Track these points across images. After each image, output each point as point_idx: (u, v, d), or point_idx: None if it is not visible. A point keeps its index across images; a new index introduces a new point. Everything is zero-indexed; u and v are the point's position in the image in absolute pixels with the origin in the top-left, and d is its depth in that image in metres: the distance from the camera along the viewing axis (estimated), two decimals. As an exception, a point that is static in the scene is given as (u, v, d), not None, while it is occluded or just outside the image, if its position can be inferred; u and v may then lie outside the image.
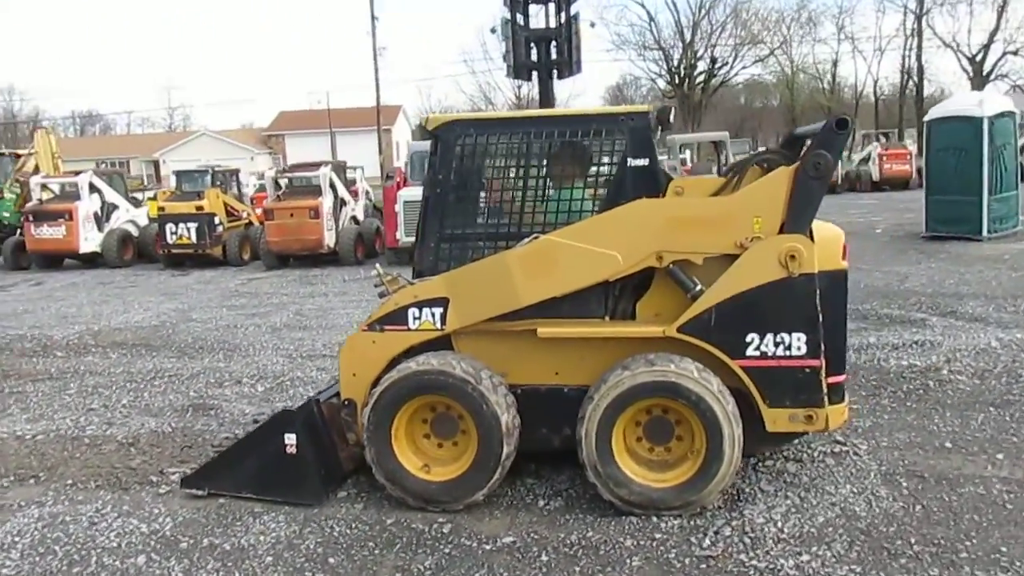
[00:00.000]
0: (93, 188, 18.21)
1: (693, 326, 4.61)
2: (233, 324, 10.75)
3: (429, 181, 5.14)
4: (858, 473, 4.96)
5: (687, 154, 24.47)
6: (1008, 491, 4.60)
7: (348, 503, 4.90)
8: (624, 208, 4.73)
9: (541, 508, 4.76)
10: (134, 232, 18.85)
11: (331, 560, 4.24)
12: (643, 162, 4.80)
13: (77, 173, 19.05)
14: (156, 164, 66.56)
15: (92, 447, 6.05)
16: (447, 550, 4.30)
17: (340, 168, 18.37)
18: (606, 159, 4.93)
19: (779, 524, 4.36)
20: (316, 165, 17.48)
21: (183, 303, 12.76)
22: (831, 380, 4.63)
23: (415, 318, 4.95)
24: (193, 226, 17.30)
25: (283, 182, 17.55)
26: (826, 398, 4.55)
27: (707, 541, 4.23)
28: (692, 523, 4.44)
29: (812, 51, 54.91)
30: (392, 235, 16.22)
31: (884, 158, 29.29)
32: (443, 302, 4.90)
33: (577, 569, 4.04)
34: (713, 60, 50.86)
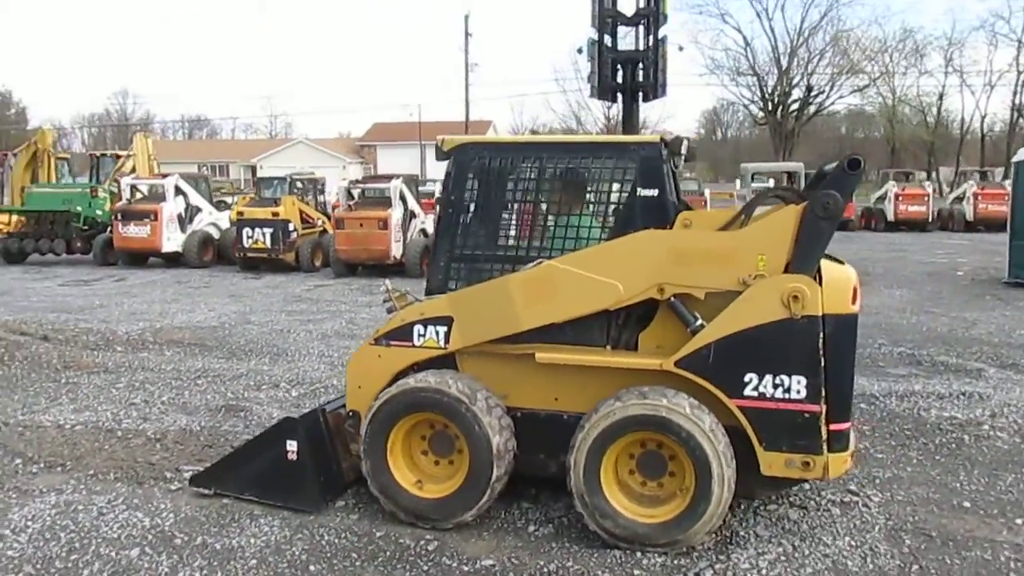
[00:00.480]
0: (178, 191, 19.10)
1: (691, 361, 4.54)
2: (287, 329, 11.09)
3: (443, 201, 5.23)
4: (862, 526, 4.76)
5: (769, 183, 23.97)
6: (1017, 559, 4.34)
7: (344, 513, 5.00)
8: (628, 238, 4.71)
9: (530, 533, 4.75)
10: (215, 234, 19.64)
11: (312, 568, 4.34)
12: (652, 192, 4.77)
13: (166, 176, 20.00)
14: (254, 169, 69.18)
15: (122, 440, 6.34)
16: (426, 567, 4.34)
17: (412, 181, 18.73)
18: (616, 187, 4.92)
19: (763, 572, 4.24)
20: (388, 178, 17.89)
21: (246, 306, 13.24)
22: (834, 427, 4.48)
23: (420, 335, 5.03)
24: (268, 231, 17.92)
25: (356, 192, 17.99)
26: (825, 445, 4.41)
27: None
28: (675, 562, 4.35)
29: (917, 83, 52.85)
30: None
31: (980, 197, 28.06)
32: (448, 321, 4.97)
33: (546, 599, 4.02)
34: (809, 88, 49.71)
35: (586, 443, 4.53)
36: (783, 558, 4.38)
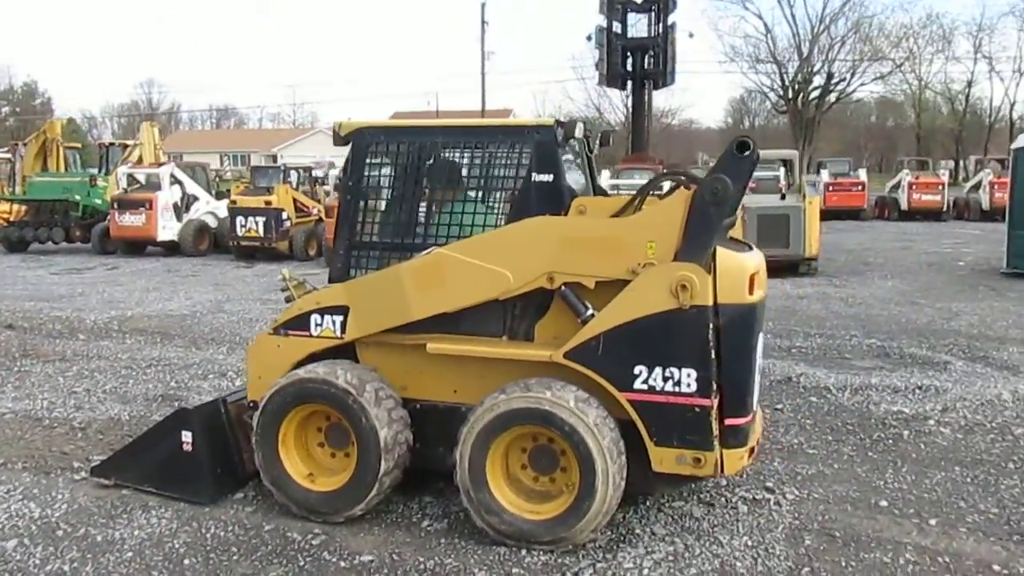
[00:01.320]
0: (174, 179, 19.16)
1: (580, 353, 4.37)
2: (258, 318, 11.03)
3: (342, 188, 5.10)
4: (765, 525, 4.57)
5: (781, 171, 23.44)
6: (916, 562, 4.13)
7: (241, 505, 4.90)
8: (518, 225, 4.55)
9: (423, 528, 4.62)
10: (212, 223, 19.69)
11: (186, 561, 4.24)
12: (547, 177, 4.59)
13: (162, 164, 20.08)
14: (274, 158, 69.58)
15: (46, 429, 6.30)
16: (302, 562, 4.23)
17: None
18: (512, 172, 4.75)
19: (646, 572, 4.07)
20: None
21: (225, 294, 13.23)
22: (729, 422, 4.29)
23: (317, 325, 4.91)
24: (261, 220, 17.92)
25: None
26: (717, 441, 4.22)
27: (576, 585, 3.99)
28: (558, 561, 4.20)
29: (944, 69, 51.77)
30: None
31: (995, 186, 27.30)
32: (344, 310, 4.84)
33: (412, 597, 3.89)
34: (830, 75, 48.77)
35: (471, 437, 4.39)
36: (671, 558, 4.21)
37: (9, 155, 28.23)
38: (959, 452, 5.67)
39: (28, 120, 62.30)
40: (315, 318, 4.91)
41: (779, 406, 6.84)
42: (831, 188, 27.66)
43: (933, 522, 4.59)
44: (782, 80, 50.14)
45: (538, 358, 4.46)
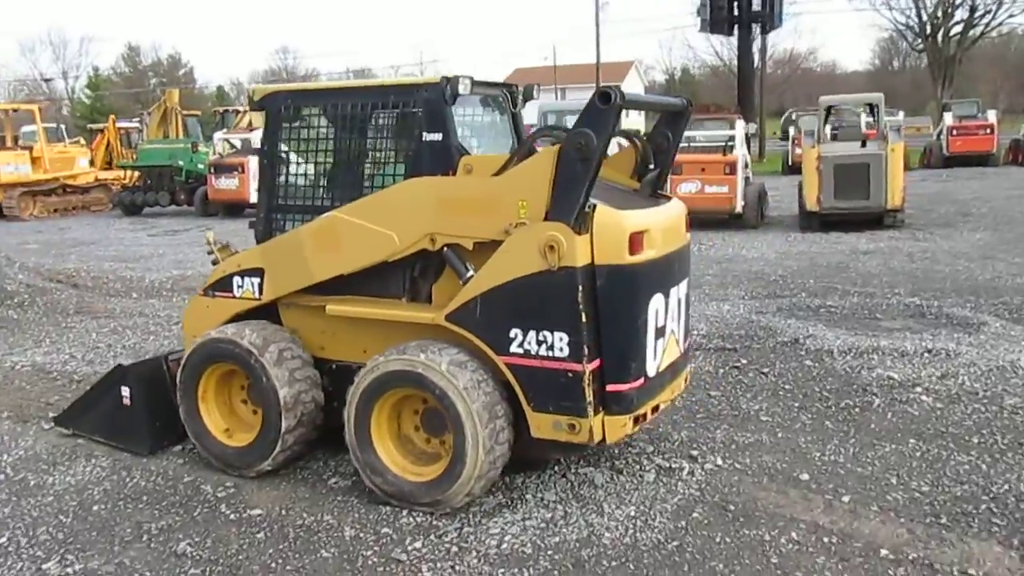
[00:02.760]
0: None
1: (460, 315, 4.30)
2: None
3: (260, 152, 5.18)
4: (662, 495, 4.38)
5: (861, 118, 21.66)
6: (799, 542, 3.85)
7: (176, 458, 5.15)
8: (401, 186, 4.50)
9: (327, 486, 4.72)
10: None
11: (95, 508, 4.52)
12: (436, 136, 4.49)
13: (254, 130, 20.92)
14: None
15: (49, 381, 6.82)
16: (195, 513, 4.42)
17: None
18: (405, 132, 4.67)
19: (510, 539, 4.00)
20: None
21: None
22: (611, 388, 4.12)
23: (239, 286, 5.05)
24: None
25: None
26: (591, 408, 4.06)
27: (418, 544, 3.99)
28: (431, 523, 4.20)
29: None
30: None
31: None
32: (260, 272, 4.96)
33: (272, 551, 3.99)
34: (972, 8, 44.59)
35: (355, 398, 4.43)
36: (542, 524, 4.12)
37: (138, 124, 30.36)
38: (926, 423, 5.21)
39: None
40: (236, 280, 5.05)
41: (765, 370, 6.48)
42: (955, 132, 25.49)
43: (846, 499, 4.25)
44: (919, 15, 46.30)
45: (424, 320, 4.43)
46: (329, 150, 4.92)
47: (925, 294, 8.78)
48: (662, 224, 4.41)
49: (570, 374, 4.07)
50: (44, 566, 3.92)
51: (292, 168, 5.05)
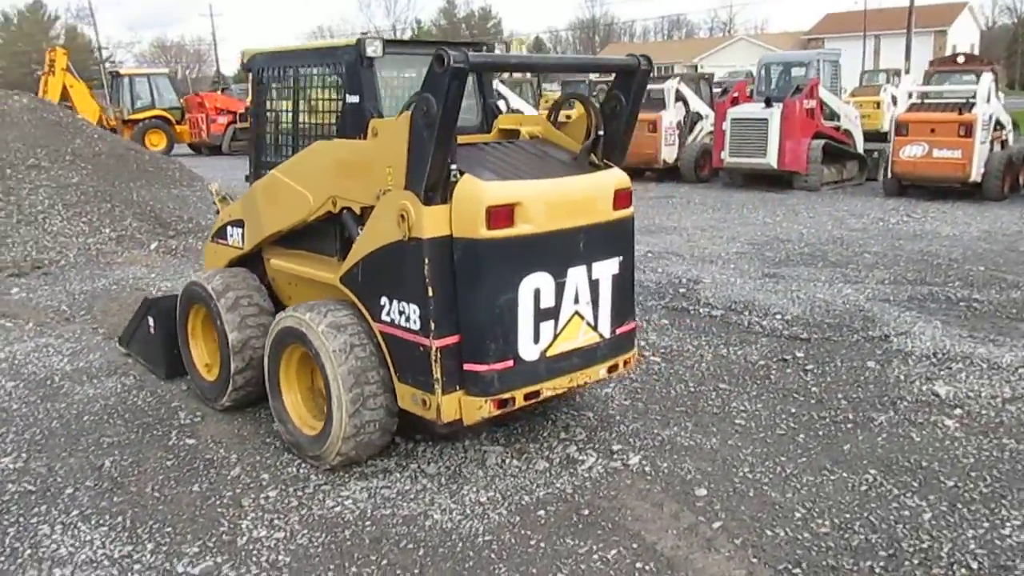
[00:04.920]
0: (499, 96, 20.61)
1: (348, 279, 4.35)
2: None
3: (249, 111, 5.50)
4: (530, 487, 4.11)
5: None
6: (607, 562, 3.44)
7: (182, 385, 5.76)
8: (312, 147, 4.59)
9: (269, 430, 5.01)
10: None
11: (84, 419, 5.22)
12: (354, 98, 4.50)
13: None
14: (695, 68, 69.04)
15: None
16: (148, 435, 4.96)
17: (699, 80, 17.61)
18: (335, 94, 4.71)
19: (346, 504, 4.04)
20: (665, 78, 17.13)
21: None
22: (468, 367, 3.96)
23: (231, 236, 5.49)
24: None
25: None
26: (439, 384, 3.92)
27: (271, 493, 4.17)
28: (304, 476, 4.35)
29: None
30: (717, 154, 15.38)
31: None
32: (241, 223, 5.35)
33: (162, 477, 4.39)
34: None
35: (267, 349, 4.67)
36: (392, 496, 4.09)
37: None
38: (912, 454, 4.28)
39: (483, 41, 70.22)
40: (229, 229, 5.48)
41: (810, 366, 5.70)
42: None
43: (716, 525, 3.69)
44: None
45: (328, 280, 4.52)
46: (288, 110, 5.12)
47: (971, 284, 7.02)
48: (556, 197, 4.05)
49: (421, 348, 3.96)
50: (3, 460, 4.68)
51: (269, 125, 5.32)
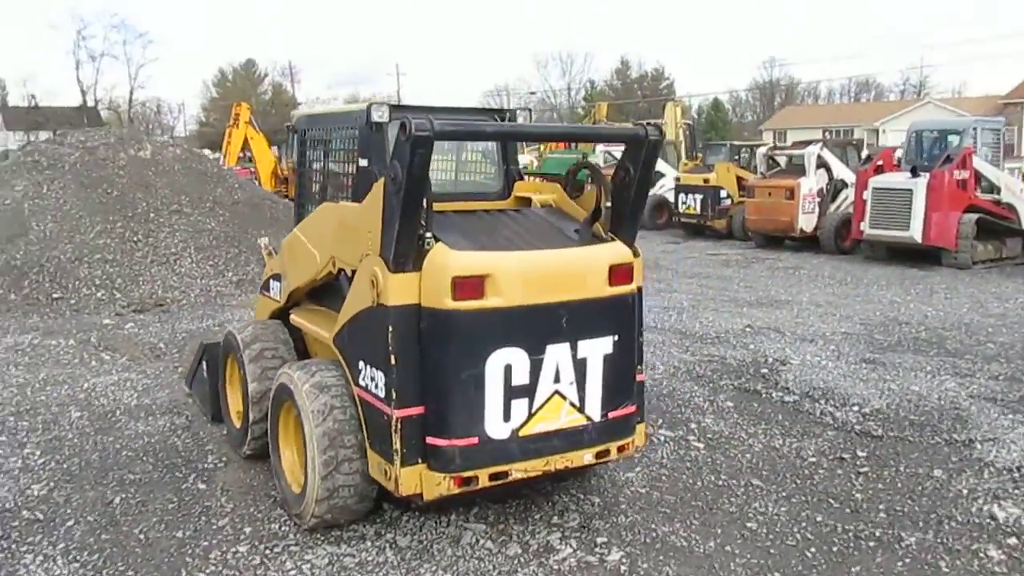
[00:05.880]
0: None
1: (338, 338, 4.38)
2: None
3: (296, 170, 5.70)
4: (413, 569, 3.89)
5: None
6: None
7: (222, 429, 5.98)
8: (320, 208, 4.67)
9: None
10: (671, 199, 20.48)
11: (122, 453, 5.51)
12: (364, 162, 4.56)
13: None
14: (876, 133, 65.68)
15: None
16: (167, 477, 5.15)
17: (846, 145, 16.64)
18: (351, 156, 4.77)
19: (276, 566, 3.98)
20: (807, 143, 16.33)
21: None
22: (430, 440, 3.84)
23: (273, 288, 5.69)
24: (699, 197, 18.11)
25: (781, 159, 16.89)
26: (398, 456, 3.82)
27: (242, 548, 4.19)
28: (281, 534, 4.34)
29: None
30: (857, 225, 14.41)
31: None
32: (279, 277, 5.53)
33: (156, 519, 4.51)
34: None
35: (269, 404, 4.74)
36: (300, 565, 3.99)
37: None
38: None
39: (655, 102, 70.23)
40: (272, 282, 5.69)
41: (865, 469, 5.11)
42: None
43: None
44: None
45: (324, 339, 4.55)
46: (319, 170, 5.27)
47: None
48: (535, 270, 3.88)
49: (384, 416, 3.88)
50: (34, 487, 5.00)
51: (307, 183, 5.49)
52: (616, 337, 4.12)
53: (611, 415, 4.17)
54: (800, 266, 14.05)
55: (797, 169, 16.00)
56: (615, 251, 4.17)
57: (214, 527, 4.45)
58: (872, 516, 4.45)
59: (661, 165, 20.66)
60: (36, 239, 10.74)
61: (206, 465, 5.32)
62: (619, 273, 4.13)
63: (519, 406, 3.89)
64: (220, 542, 4.27)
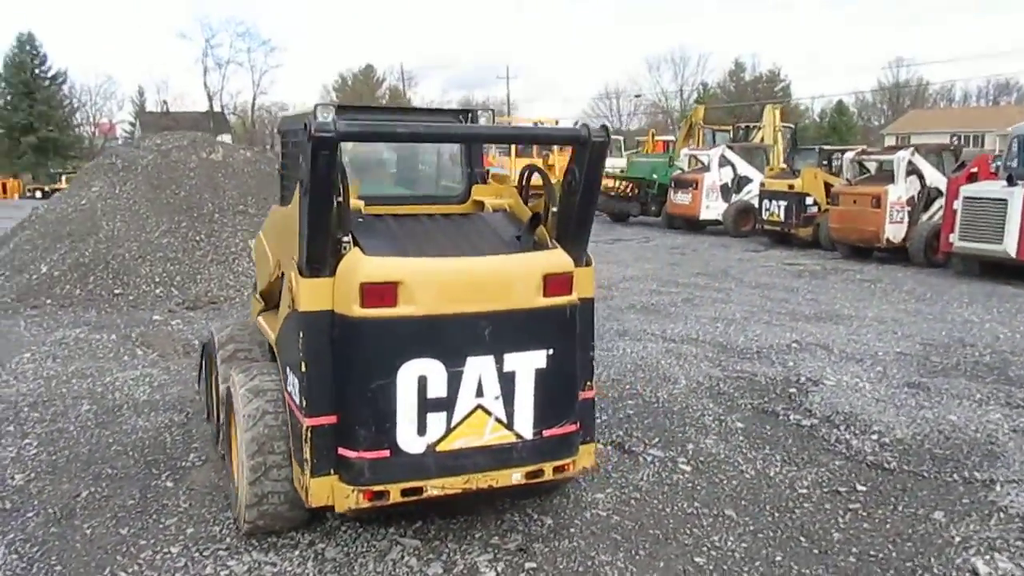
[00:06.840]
0: (725, 161, 19.75)
1: (277, 343, 4.31)
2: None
3: (279, 171, 5.70)
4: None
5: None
6: None
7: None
8: (272, 211, 4.59)
9: (248, 482, 5.11)
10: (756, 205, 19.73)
11: (112, 447, 5.65)
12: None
13: (711, 148, 20.74)
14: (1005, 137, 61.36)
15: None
16: (142, 473, 5.25)
17: (942, 151, 15.49)
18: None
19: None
20: (896, 148, 15.31)
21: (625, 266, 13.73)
22: (341, 451, 3.74)
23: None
24: (783, 204, 17.34)
25: (872, 166, 15.92)
26: (308, 465, 3.73)
27: (174, 549, 4.18)
28: (218, 538, 4.31)
29: None
30: (946, 237, 13.40)
31: None
32: (263, 280, 5.55)
33: (110, 514, 4.58)
34: None
35: (223, 410, 4.73)
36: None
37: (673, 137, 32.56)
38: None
39: (764, 103, 68.04)
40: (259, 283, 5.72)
41: (855, 504, 4.65)
42: None
43: None
44: None
45: (272, 342, 4.51)
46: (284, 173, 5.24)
47: None
48: (455, 278, 3.71)
49: (298, 424, 3.80)
50: (16, 477, 5.18)
51: (283, 186, 5.47)
52: (551, 351, 3.89)
53: (546, 433, 3.94)
54: (880, 279, 13.18)
55: (887, 176, 15.05)
56: (552, 260, 3.94)
57: (160, 526, 4.47)
58: (839, 560, 4.03)
59: (747, 170, 20.04)
60: (105, 237, 11.29)
61: (184, 463, 5.37)
62: (555, 283, 3.90)
63: (436, 420, 3.72)
64: (157, 542, 4.28)
